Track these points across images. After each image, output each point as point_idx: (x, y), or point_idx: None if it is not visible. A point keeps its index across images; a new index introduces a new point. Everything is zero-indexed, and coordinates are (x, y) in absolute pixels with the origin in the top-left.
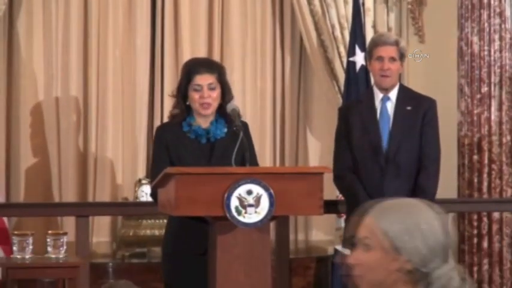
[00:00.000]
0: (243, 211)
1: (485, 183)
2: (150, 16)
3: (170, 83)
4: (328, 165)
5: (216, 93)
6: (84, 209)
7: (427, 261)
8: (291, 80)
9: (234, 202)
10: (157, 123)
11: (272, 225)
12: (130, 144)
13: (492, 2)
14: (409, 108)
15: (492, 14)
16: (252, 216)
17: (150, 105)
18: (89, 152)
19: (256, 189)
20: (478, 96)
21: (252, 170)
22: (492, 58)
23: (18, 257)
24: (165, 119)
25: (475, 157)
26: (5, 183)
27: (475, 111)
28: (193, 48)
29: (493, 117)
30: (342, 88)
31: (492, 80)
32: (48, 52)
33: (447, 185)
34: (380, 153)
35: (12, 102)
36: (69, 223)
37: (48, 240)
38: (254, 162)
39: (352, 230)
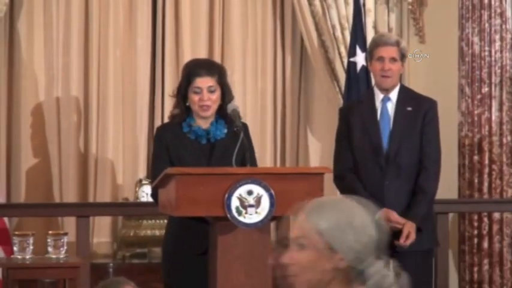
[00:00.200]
0: (244, 211)
1: (485, 184)
2: (150, 16)
3: (171, 83)
4: (328, 165)
5: (215, 96)
6: (84, 210)
7: (361, 258)
8: (292, 81)
9: (235, 202)
10: (158, 123)
11: (272, 225)
12: (131, 145)
13: (493, 2)
14: (409, 108)
15: (493, 15)
16: (253, 217)
17: (150, 105)
18: (90, 153)
19: (257, 190)
20: (479, 96)
21: (252, 170)
22: (493, 58)
23: (19, 257)
24: (166, 120)
25: (476, 157)
26: (6, 183)
27: (476, 112)
28: (193, 48)
29: (493, 117)
30: (343, 88)
31: (493, 80)
32: (49, 53)
33: (448, 185)
34: (380, 154)
35: (13, 103)
36: (69, 223)
37: (48, 240)
38: (254, 163)
39: (286, 230)
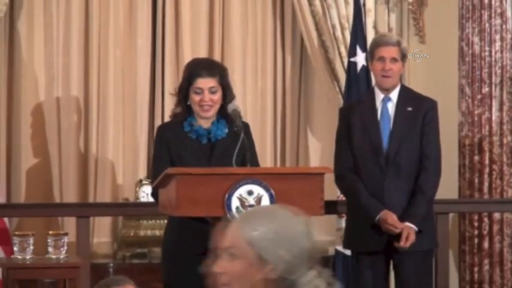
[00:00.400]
0: (244, 211)
1: (486, 184)
2: (150, 16)
3: (171, 83)
4: (329, 165)
5: (217, 96)
6: (84, 210)
7: (293, 269)
8: (292, 80)
9: (235, 202)
10: (158, 123)
11: None
12: (131, 145)
13: (493, 2)
14: (409, 109)
15: (493, 15)
16: None
17: (151, 105)
18: (90, 153)
19: (257, 190)
20: (479, 96)
21: (252, 170)
22: (493, 58)
23: (19, 257)
24: (166, 119)
25: (476, 157)
26: (6, 183)
27: (476, 112)
28: (194, 48)
29: (493, 117)
30: (343, 88)
31: (493, 80)
32: (49, 53)
33: (448, 185)
34: (380, 154)
35: (13, 103)
36: (69, 223)
37: (49, 240)
38: (255, 162)
39: (218, 239)
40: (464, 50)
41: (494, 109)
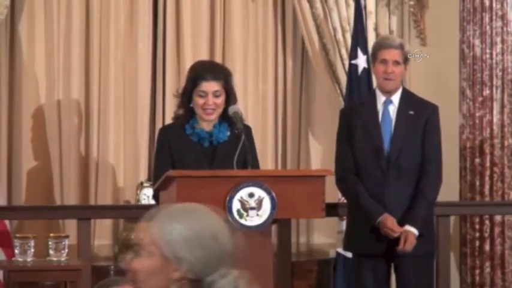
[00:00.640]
0: (245, 214)
1: (487, 186)
2: (151, 19)
3: (172, 86)
4: (330, 168)
5: (220, 100)
6: (85, 212)
7: (209, 270)
8: (293, 83)
9: (236, 205)
10: (159, 125)
11: (274, 228)
12: (132, 147)
13: (494, 5)
14: (411, 112)
15: (494, 17)
16: (254, 219)
17: (151, 108)
18: (91, 155)
19: (258, 192)
20: (480, 99)
21: (253, 172)
22: (494, 61)
23: (20, 260)
24: (167, 122)
25: (477, 160)
26: (7, 185)
27: (477, 114)
28: (195, 51)
29: (494, 120)
30: (344, 91)
31: (494, 82)
32: (50, 55)
33: (449, 188)
34: (381, 156)
35: (14, 105)
36: (70, 226)
37: (49, 243)
38: (256, 165)
39: (136, 235)
40: (465, 52)
41: (495, 111)
